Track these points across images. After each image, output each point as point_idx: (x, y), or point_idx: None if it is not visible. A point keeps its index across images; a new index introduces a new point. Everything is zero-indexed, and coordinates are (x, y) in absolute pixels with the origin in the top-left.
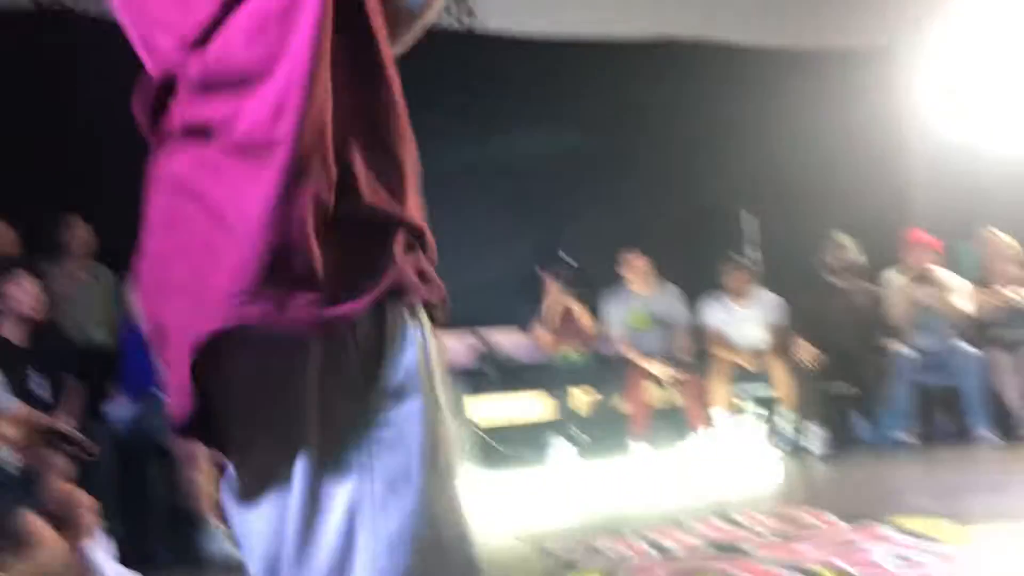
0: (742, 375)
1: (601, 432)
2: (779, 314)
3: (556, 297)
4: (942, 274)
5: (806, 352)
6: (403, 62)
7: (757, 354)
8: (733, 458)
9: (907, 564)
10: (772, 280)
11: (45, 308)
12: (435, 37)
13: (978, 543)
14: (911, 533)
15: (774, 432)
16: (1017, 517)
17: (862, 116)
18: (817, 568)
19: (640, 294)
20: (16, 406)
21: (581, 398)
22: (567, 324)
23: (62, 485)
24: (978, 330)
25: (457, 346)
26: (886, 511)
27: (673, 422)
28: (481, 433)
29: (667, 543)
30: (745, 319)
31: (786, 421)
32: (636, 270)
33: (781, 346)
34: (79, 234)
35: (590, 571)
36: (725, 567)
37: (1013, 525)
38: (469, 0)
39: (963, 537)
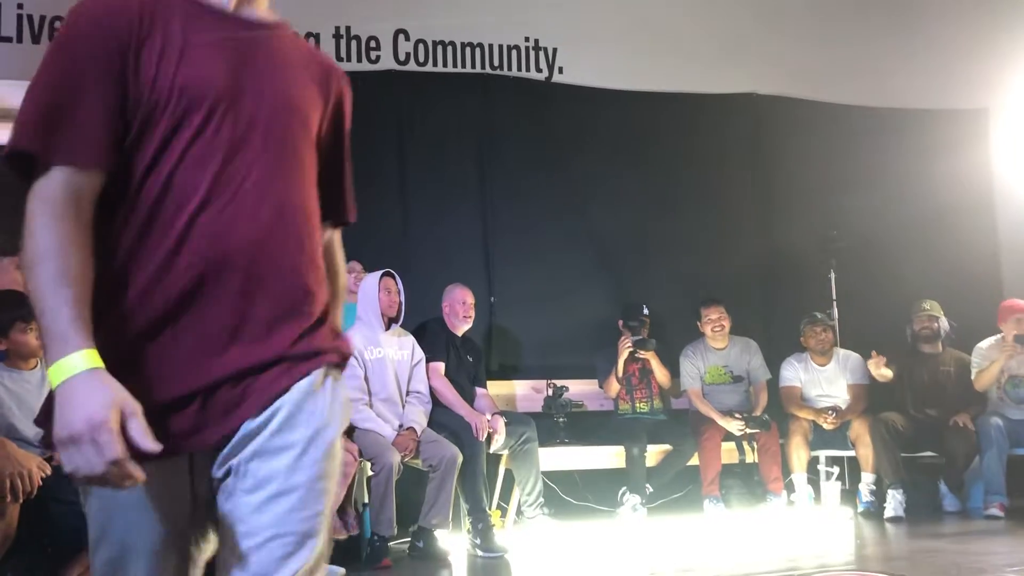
0: (821, 435)
1: (672, 487)
2: (861, 374)
3: (629, 350)
4: None
5: (889, 416)
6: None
7: (837, 415)
8: (809, 520)
9: None
10: (856, 341)
11: None
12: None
13: None
14: None
15: (853, 496)
16: None
17: (954, 178)
18: None
19: (718, 348)
20: None
21: (653, 452)
22: (643, 377)
23: None
24: None
25: (531, 394)
26: None
27: (747, 481)
28: (551, 483)
29: None
30: (825, 378)
31: (866, 485)
32: (715, 324)
33: (862, 408)
34: None
35: None
36: None
37: None
38: (556, 59)
39: None
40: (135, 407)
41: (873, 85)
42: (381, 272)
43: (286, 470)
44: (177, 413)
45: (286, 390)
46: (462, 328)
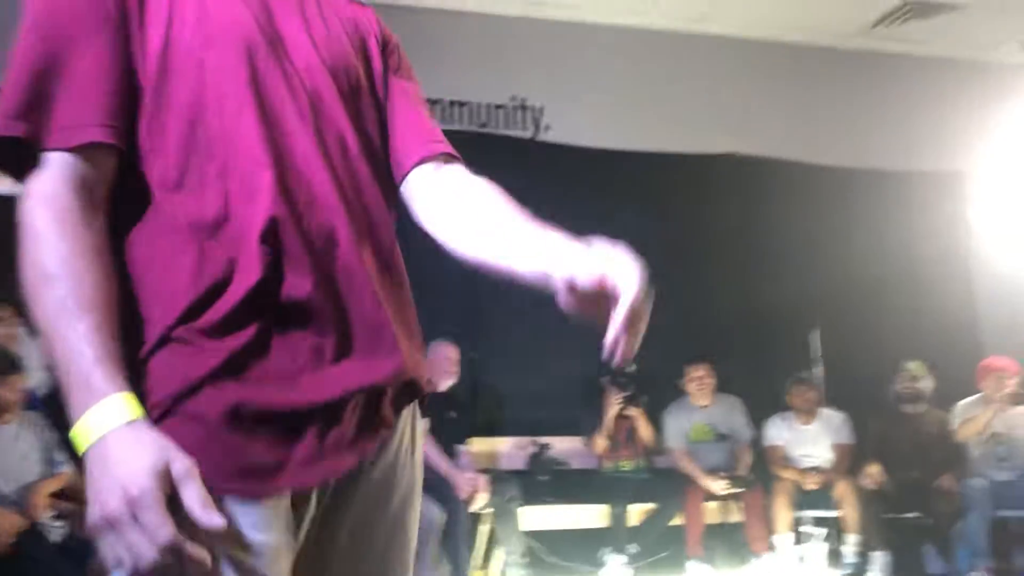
0: (805, 496)
1: (656, 546)
2: (845, 434)
3: (617, 407)
4: (1020, 402)
5: (873, 476)
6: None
7: (821, 475)
8: None
9: None
10: (839, 400)
11: None
12: (505, 142)
13: None
14: None
15: (837, 557)
16: None
17: (931, 239)
18: None
19: (702, 407)
20: (65, 469)
21: (637, 510)
22: (627, 434)
23: None
24: None
25: (515, 452)
26: None
27: (731, 540)
28: (534, 542)
29: None
30: (809, 438)
31: (850, 546)
32: (699, 382)
33: (846, 467)
34: None
35: None
36: None
37: None
38: (542, 117)
39: None
40: (188, 467)
41: (852, 147)
42: None
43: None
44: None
45: None
46: (445, 383)
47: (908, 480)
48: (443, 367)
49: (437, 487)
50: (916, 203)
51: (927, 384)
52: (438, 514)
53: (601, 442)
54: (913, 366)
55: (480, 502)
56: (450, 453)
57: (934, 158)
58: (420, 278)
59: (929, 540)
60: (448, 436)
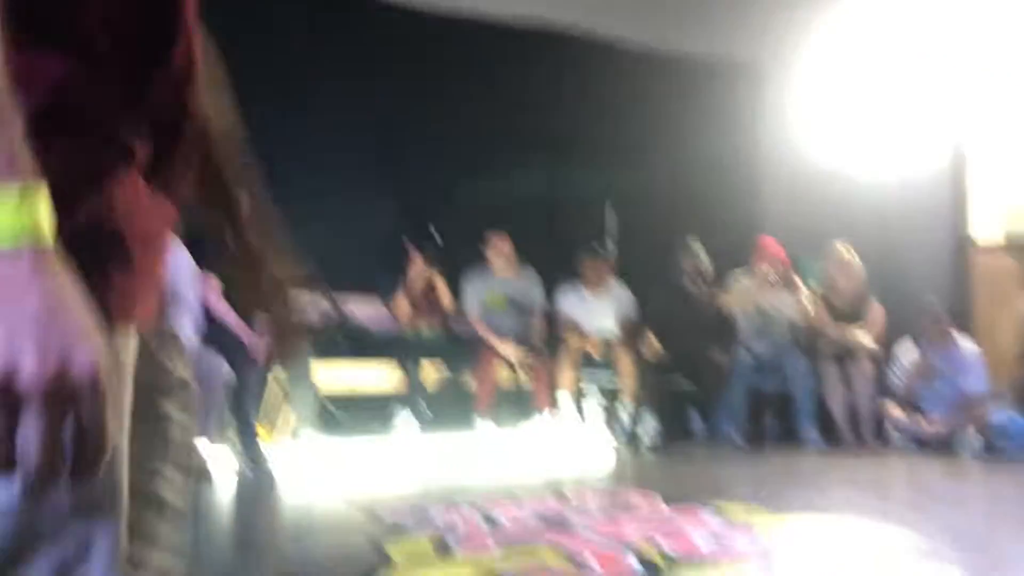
0: (589, 363)
1: (447, 407)
2: (630, 308)
3: (419, 270)
4: (785, 283)
5: (651, 347)
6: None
7: (605, 344)
8: (572, 440)
9: (720, 545)
10: (627, 275)
11: None
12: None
13: (790, 531)
14: (729, 518)
15: (613, 419)
16: (829, 511)
17: (727, 127)
18: (638, 544)
19: (500, 276)
20: None
21: (431, 373)
22: (426, 298)
23: None
24: (811, 340)
25: (310, 309)
26: (709, 498)
27: (519, 403)
28: (324, 400)
29: (499, 515)
30: (598, 309)
31: (625, 410)
32: (499, 252)
33: (629, 339)
34: None
35: (419, 538)
36: (551, 539)
37: (824, 517)
38: None
39: (777, 525)
40: None
41: (653, 28)
42: None
43: None
44: None
45: None
46: None
47: (682, 350)
48: None
49: (228, 346)
50: (711, 90)
51: (707, 263)
52: (227, 370)
53: (402, 304)
54: (695, 245)
55: (271, 358)
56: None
57: (733, 48)
58: None
59: (694, 405)
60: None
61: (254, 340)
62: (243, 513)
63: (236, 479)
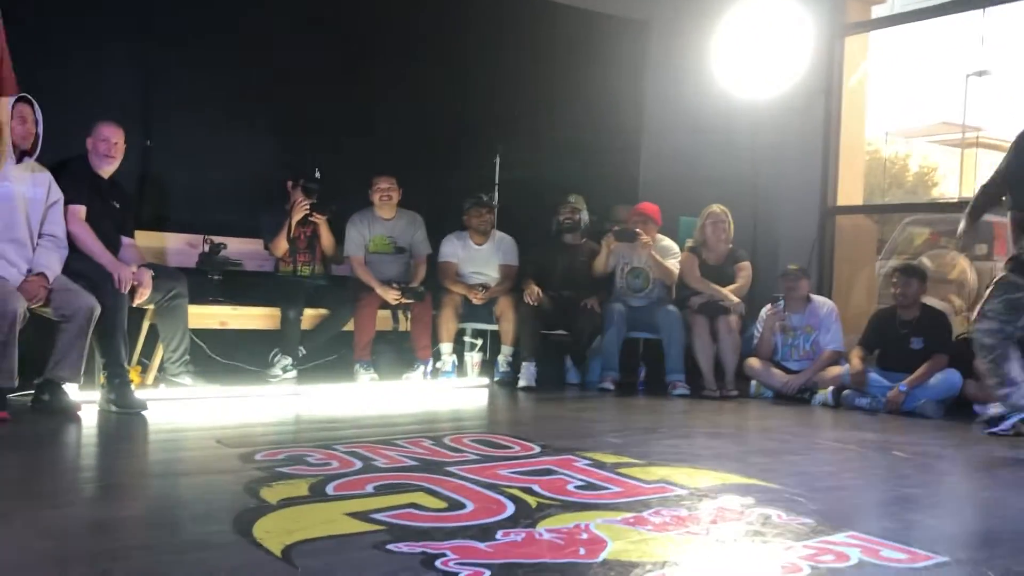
0: (470, 309)
1: (325, 351)
2: (513, 256)
3: (302, 212)
4: (659, 239)
5: (532, 295)
6: None
7: (486, 291)
8: (450, 386)
9: (590, 490)
10: (510, 224)
11: None
12: None
13: (655, 478)
14: (599, 465)
15: (492, 366)
16: (692, 460)
17: (616, 85)
18: (511, 488)
19: (384, 219)
20: None
21: (310, 315)
22: (308, 241)
23: None
24: (681, 295)
25: (187, 249)
26: (581, 446)
27: (398, 348)
28: (200, 342)
29: (376, 459)
30: (481, 257)
31: (504, 357)
32: (384, 194)
33: (510, 287)
34: None
35: (295, 481)
36: (427, 482)
37: (688, 467)
38: None
39: (644, 473)
40: None
41: None
42: (16, 96)
43: None
44: None
45: None
46: (106, 169)
47: (560, 301)
48: (101, 149)
49: (95, 278)
50: (602, 44)
51: (585, 216)
52: (94, 306)
53: (282, 245)
54: (574, 199)
55: (142, 297)
56: (112, 245)
57: (623, 5)
58: (93, 57)
59: (570, 354)
60: (110, 226)
61: (117, 267)
62: (110, 452)
63: (101, 418)
